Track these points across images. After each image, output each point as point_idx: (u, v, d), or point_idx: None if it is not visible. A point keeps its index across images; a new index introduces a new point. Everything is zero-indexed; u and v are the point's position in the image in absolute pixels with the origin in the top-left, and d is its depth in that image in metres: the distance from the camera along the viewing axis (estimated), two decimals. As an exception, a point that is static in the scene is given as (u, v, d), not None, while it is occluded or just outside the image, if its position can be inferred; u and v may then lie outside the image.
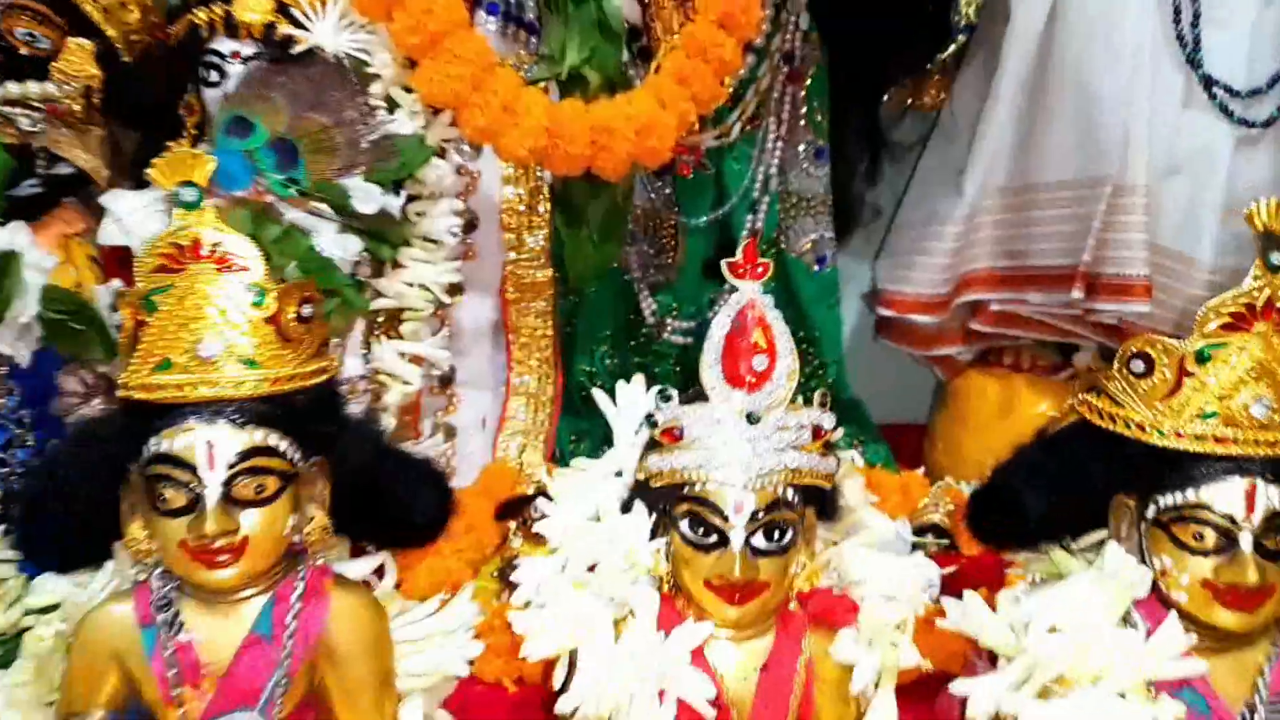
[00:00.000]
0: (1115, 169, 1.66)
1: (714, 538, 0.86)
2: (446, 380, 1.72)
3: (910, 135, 2.06)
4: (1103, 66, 1.68)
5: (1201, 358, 0.88)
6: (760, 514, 0.86)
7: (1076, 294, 1.63)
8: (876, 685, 0.91)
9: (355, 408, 1.47)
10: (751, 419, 0.86)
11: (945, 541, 1.57)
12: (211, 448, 0.83)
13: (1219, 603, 0.88)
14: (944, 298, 1.89)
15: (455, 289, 1.68)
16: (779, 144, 1.78)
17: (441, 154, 1.53)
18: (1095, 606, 0.92)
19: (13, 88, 1.25)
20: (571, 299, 1.83)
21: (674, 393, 0.91)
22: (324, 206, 1.30)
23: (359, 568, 1.03)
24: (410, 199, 1.47)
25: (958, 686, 0.96)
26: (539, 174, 1.70)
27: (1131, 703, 0.88)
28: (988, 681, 0.94)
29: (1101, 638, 0.90)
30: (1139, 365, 0.90)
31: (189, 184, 0.82)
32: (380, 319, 1.51)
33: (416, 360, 1.52)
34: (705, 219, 1.80)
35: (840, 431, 0.95)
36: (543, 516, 0.94)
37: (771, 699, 0.90)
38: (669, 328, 1.86)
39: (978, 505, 1.05)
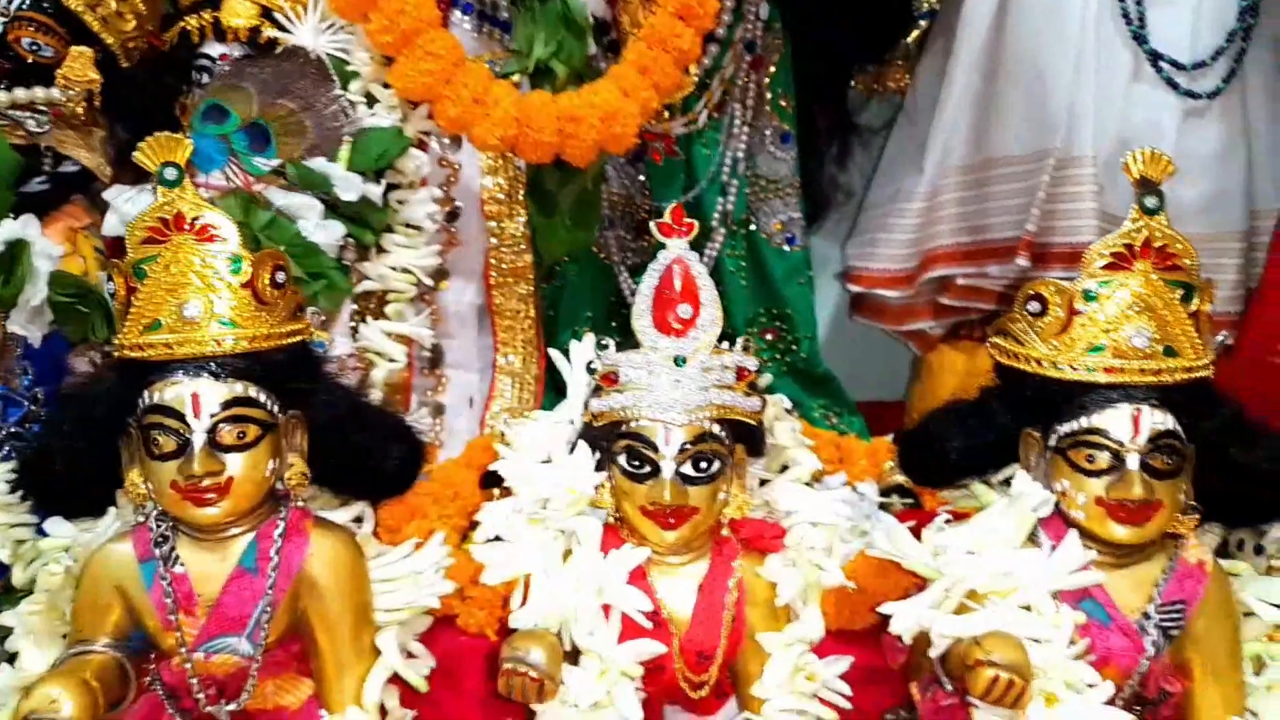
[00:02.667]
0: (1061, 142, 1.74)
1: (648, 468, 0.96)
2: (435, 362, 1.83)
3: (877, 120, 2.15)
4: (1051, 45, 1.76)
5: (1089, 296, 0.96)
6: (688, 445, 0.95)
7: (1022, 262, 1.71)
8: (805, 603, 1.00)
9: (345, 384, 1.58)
10: (678, 361, 0.95)
11: (910, 500, 1.66)
12: (197, 398, 0.94)
13: (1112, 518, 0.96)
14: (910, 272, 1.97)
15: (441, 274, 1.79)
16: (744, 129, 1.87)
17: (421, 146, 1.64)
18: (1004, 529, 1.00)
19: (20, 93, 1.36)
20: (555, 283, 1.93)
21: (612, 343, 1.00)
22: (307, 194, 1.41)
23: (340, 515, 1.13)
24: (391, 187, 1.58)
25: (886, 608, 1.04)
26: (517, 164, 1.80)
27: (1036, 613, 0.96)
28: (911, 603, 1.02)
29: (1009, 556, 0.98)
30: (1035, 306, 0.99)
31: (170, 164, 0.93)
32: (369, 302, 1.63)
33: (402, 339, 1.62)
34: (677, 202, 1.88)
35: (768, 378, 1.04)
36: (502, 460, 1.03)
37: (707, 615, 0.99)
38: (647, 308, 1.95)
39: (905, 447, 1.13)
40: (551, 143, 1.57)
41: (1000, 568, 0.97)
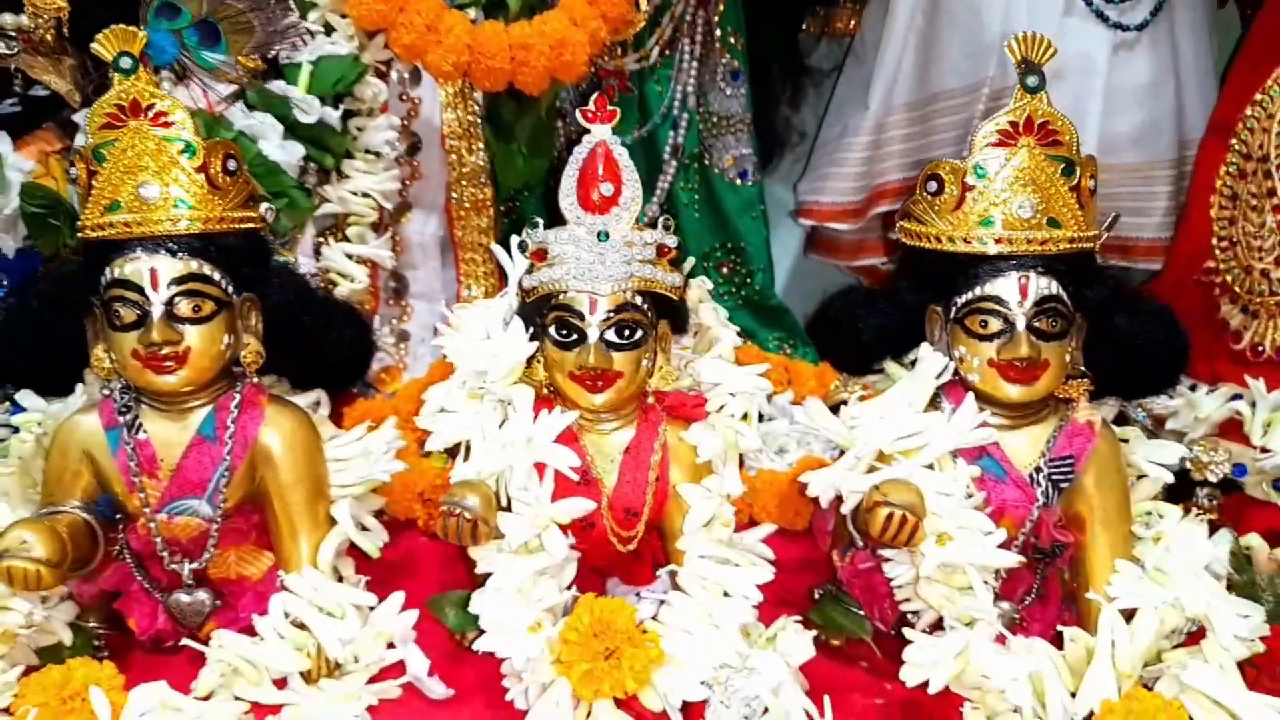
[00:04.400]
0: (994, 70, 1.82)
1: (575, 336, 1.03)
2: (400, 292, 1.91)
3: (827, 61, 2.23)
4: (987, -20, 1.84)
5: (979, 172, 1.04)
6: (612, 314, 1.02)
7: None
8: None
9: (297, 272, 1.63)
10: (602, 237, 1.03)
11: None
12: (155, 273, 1.01)
13: (1003, 377, 1.04)
14: (858, 205, 2.05)
15: (404, 207, 1.87)
16: (694, 65, 1.95)
17: (381, 76, 1.71)
18: (909, 397, 1.08)
19: (-11, 18, 1.42)
20: (514, 217, 2.00)
21: (541, 222, 1.07)
22: (267, 116, 1.48)
23: (297, 400, 1.21)
24: (350, 115, 1.65)
25: (804, 477, 1.12)
26: (476, 99, 1.87)
27: (937, 469, 1.05)
28: (826, 470, 1.10)
29: (912, 420, 1.06)
30: (933, 185, 1.06)
31: (126, 54, 1.00)
32: (331, 225, 1.70)
33: (363, 261, 1.70)
34: (630, 137, 1.96)
35: (690, 261, 1.11)
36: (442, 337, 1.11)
37: (633, 474, 1.07)
38: (603, 241, 2.02)
39: (821, 331, 1.20)
40: (504, 69, 1.64)
41: (904, 430, 1.05)
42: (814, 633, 1.06)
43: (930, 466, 1.05)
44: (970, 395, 1.06)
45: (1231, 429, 1.52)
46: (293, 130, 1.53)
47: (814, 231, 2.16)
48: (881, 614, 1.13)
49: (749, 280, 2.09)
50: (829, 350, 1.22)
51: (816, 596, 1.22)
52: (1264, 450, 1.48)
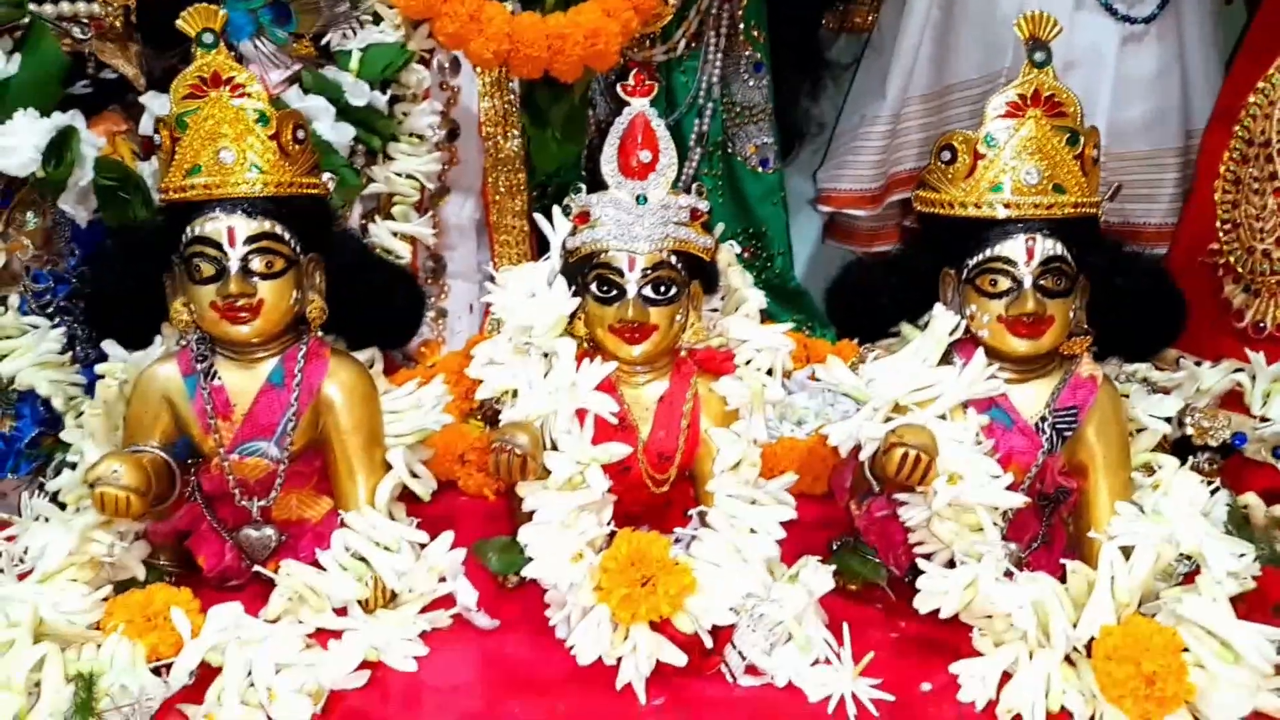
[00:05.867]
0: (1010, 62, 1.90)
1: (615, 292, 1.12)
2: (438, 272, 2.01)
3: (845, 55, 2.31)
4: (1001, -26, 1.92)
5: (989, 141, 1.12)
6: (649, 271, 1.11)
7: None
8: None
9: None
10: (640, 200, 1.12)
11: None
12: (232, 231, 1.10)
13: (1010, 332, 1.12)
14: (875, 193, 2.14)
15: (443, 190, 1.97)
16: (719, 57, 2.04)
17: (424, 63, 1.81)
18: (922, 352, 1.16)
19: (65, 6, 1.53)
20: (547, 202, 2.09)
21: (584, 187, 1.16)
22: (321, 99, 1.58)
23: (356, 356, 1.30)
24: (395, 100, 1.75)
25: (827, 429, 1.20)
26: (512, 88, 1.97)
27: (950, 419, 1.13)
28: (846, 420, 1.19)
29: (926, 373, 1.14)
30: (946, 154, 1.15)
31: (208, 30, 1.10)
32: (377, 204, 1.80)
33: (406, 239, 1.79)
34: (637, 70, 2.04)
35: (720, 226, 1.19)
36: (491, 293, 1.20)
37: (667, 421, 1.15)
38: (632, 225, 2.11)
39: (838, 301, 1.28)
40: (541, 58, 1.74)
41: (918, 382, 1.13)
42: (833, 568, 1.14)
43: (943, 417, 1.13)
44: (980, 350, 1.14)
45: (1233, 400, 1.59)
46: (344, 113, 1.63)
47: (832, 218, 2.24)
48: (896, 560, 1.21)
49: (769, 264, 2.17)
50: (846, 317, 1.30)
51: (835, 547, 1.30)
52: (1263, 419, 1.55)
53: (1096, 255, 1.14)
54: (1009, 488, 1.10)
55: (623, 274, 1.11)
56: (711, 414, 1.15)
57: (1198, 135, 1.92)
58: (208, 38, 1.09)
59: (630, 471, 1.15)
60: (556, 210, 1.23)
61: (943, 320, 1.15)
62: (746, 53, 2.08)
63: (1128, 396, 1.20)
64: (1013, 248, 1.11)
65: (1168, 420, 1.19)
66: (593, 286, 1.13)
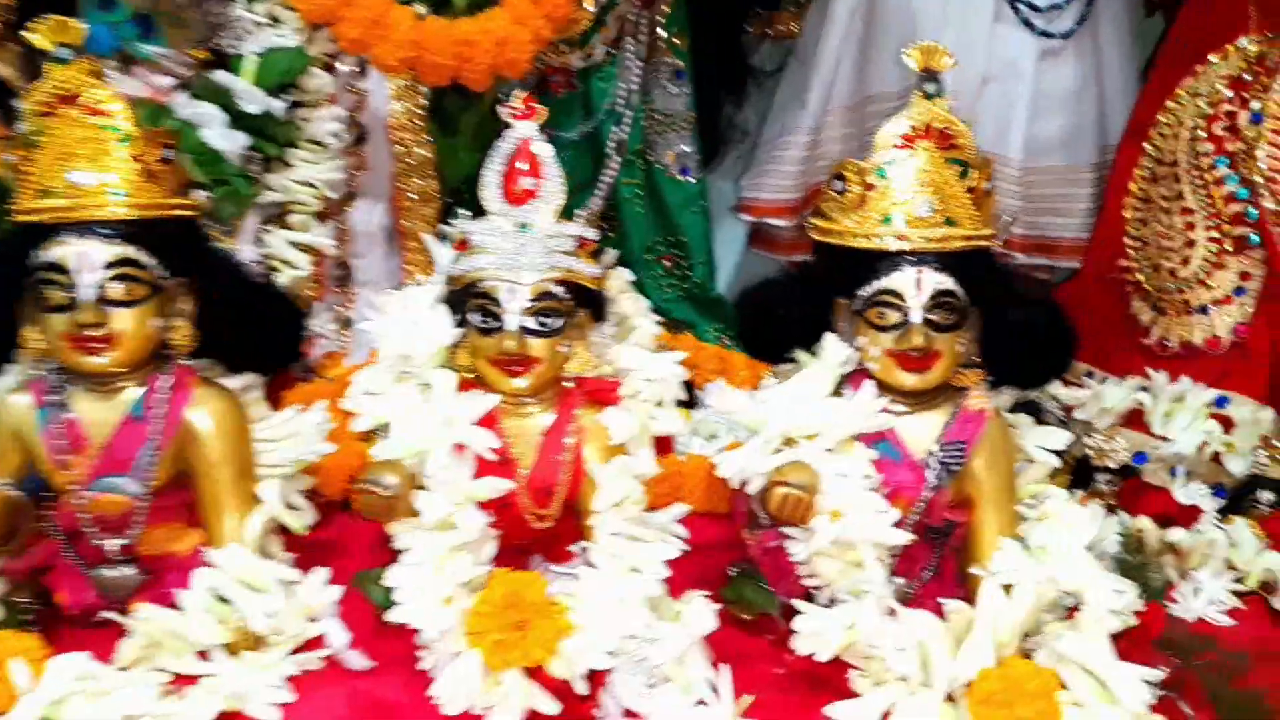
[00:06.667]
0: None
1: (496, 323, 1.08)
2: (344, 280, 1.94)
3: (769, 62, 2.28)
4: (920, -12, 1.91)
5: (881, 173, 1.10)
6: (531, 302, 1.08)
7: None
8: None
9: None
10: (522, 228, 1.08)
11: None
12: (83, 256, 1.04)
13: (899, 367, 1.10)
14: (795, 203, 2.11)
15: (350, 196, 1.90)
16: (638, 64, 1.99)
17: (328, 69, 1.74)
18: (815, 383, 1.14)
19: (-64, 5, 1.44)
20: (457, 211, 2.04)
21: (467, 214, 1.12)
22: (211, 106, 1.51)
23: (230, 383, 1.24)
24: (296, 105, 1.68)
25: (715, 458, 1.18)
26: (423, 92, 1.90)
27: (838, 453, 1.11)
28: (737, 451, 1.16)
29: (816, 406, 1.12)
30: (839, 184, 1.12)
31: (65, 45, 1.03)
32: (275, 214, 1.73)
33: (306, 249, 1.73)
34: (576, 133, 2.01)
35: (612, 252, 1.16)
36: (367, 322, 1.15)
37: (549, 455, 1.12)
38: (547, 234, 2.07)
39: (745, 321, 1.26)
40: (449, 65, 1.69)
41: (808, 415, 1.11)
42: (718, 606, 1.11)
43: (830, 450, 1.11)
44: (869, 382, 1.12)
45: (1135, 419, 1.60)
46: (237, 119, 1.56)
47: (756, 227, 2.22)
48: (789, 589, 1.18)
49: (689, 273, 2.14)
50: (753, 339, 1.27)
51: (733, 573, 1.28)
52: (1163, 439, 1.56)
53: (989, 287, 1.12)
54: (896, 523, 1.08)
55: (504, 305, 1.07)
56: (596, 447, 1.12)
57: (1113, 151, 1.93)
58: (63, 53, 1.02)
59: (511, 507, 1.11)
60: (446, 230, 1.18)
61: (833, 351, 1.13)
62: (667, 59, 2.04)
63: (1016, 428, 1.18)
64: (902, 281, 1.09)
65: (1058, 454, 1.18)
66: (474, 316, 1.09)
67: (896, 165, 1.09)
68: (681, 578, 1.16)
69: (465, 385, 1.12)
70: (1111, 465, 1.47)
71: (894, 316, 1.09)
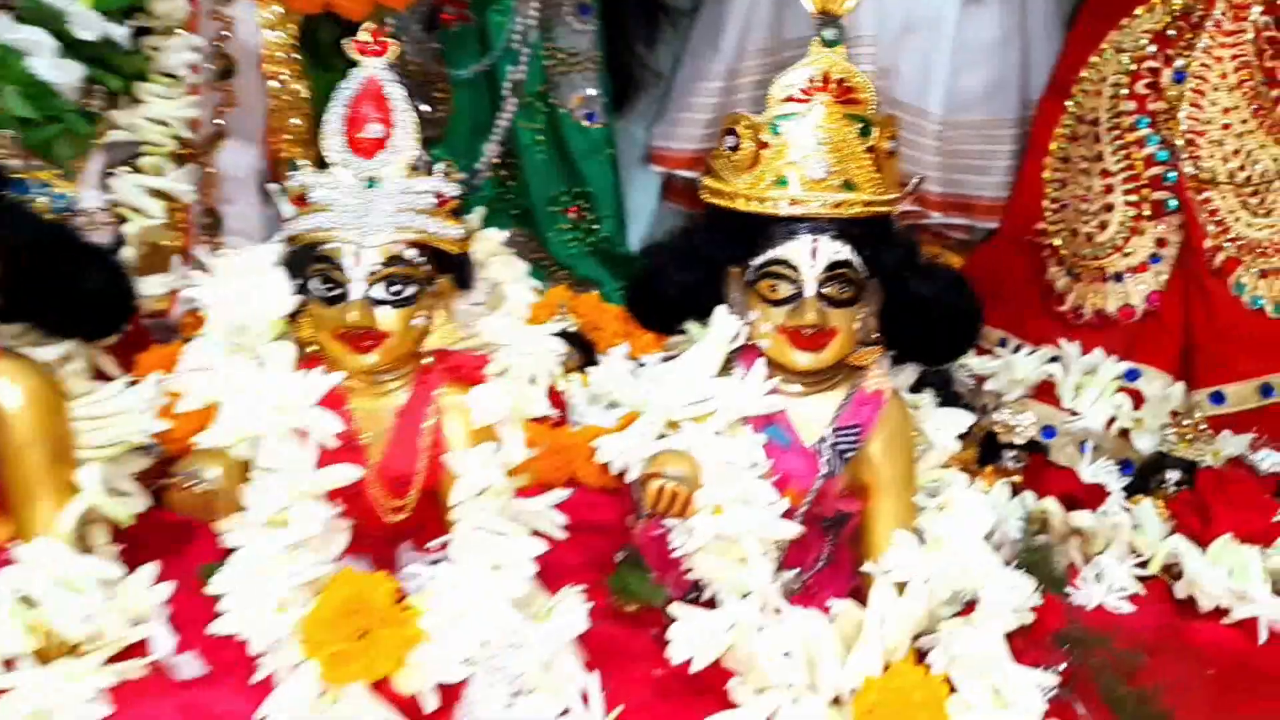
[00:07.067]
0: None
1: (339, 291, 0.95)
2: (213, 229, 1.77)
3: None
4: (843, -71, 1.78)
5: (774, 130, 0.99)
6: (379, 267, 0.95)
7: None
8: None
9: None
10: (369, 183, 0.94)
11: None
12: None
13: (791, 344, 1.01)
14: (707, 153, 1.99)
15: (217, 136, 1.72)
16: (537, -4, 1.84)
17: (176, -14, 1.55)
18: (703, 360, 1.04)
19: None
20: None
21: (307, 164, 0.98)
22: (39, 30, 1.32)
23: (46, 352, 1.09)
24: (145, 31, 1.50)
25: (596, 442, 1.08)
26: (299, 20, 1.72)
27: (724, 436, 1.01)
28: (618, 435, 1.06)
29: (702, 386, 1.02)
30: (730, 140, 1.01)
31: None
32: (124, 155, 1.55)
33: (160, 195, 1.56)
34: (469, 71, 1.85)
35: (481, 211, 1.04)
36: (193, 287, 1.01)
37: (404, 439, 1.00)
38: (442, 182, 1.92)
39: (633, 291, 1.16)
40: (319, -10, 1.51)
41: (693, 394, 1.01)
42: (595, 603, 1.02)
43: (717, 433, 1.01)
44: (760, 361, 1.02)
45: (1046, 390, 1.55)
46: (72, 48, 1.38)
47: (669, 179, 2.10)
48: (676, 581, 1.10)
49: (595, 227, 2.02)
50: (636, 308, 1.17)
51: (619, 560, 1.19)
52: (1073, 413, 1.51)
53: (889, 257, 1.03)
54: (786, 514, 0.99)
55: (347, 271, 0.94)
56: (459, 431, 1.00)
57: (1034, 107, 1.86)
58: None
59: (361, 496, 0.99)
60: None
61: (723, 325, 1.03)
62: (571, -8, 1.89)
63: (917, 409, 1.10)
64: (795, 250, 0.99)
65: (960, 437, 1.10)
66: (314, 282, 0.96)
67: (792, 121, 0.98)
68: (571, 562, 1.07)
69: (308, 361, 0.98)
70: (1018, 441, 1.41)
71: (786, 289, 1.00)
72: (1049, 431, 1.49)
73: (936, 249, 1.89)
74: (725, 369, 1.05)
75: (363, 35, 0.95)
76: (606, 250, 2.02)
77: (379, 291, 0.95)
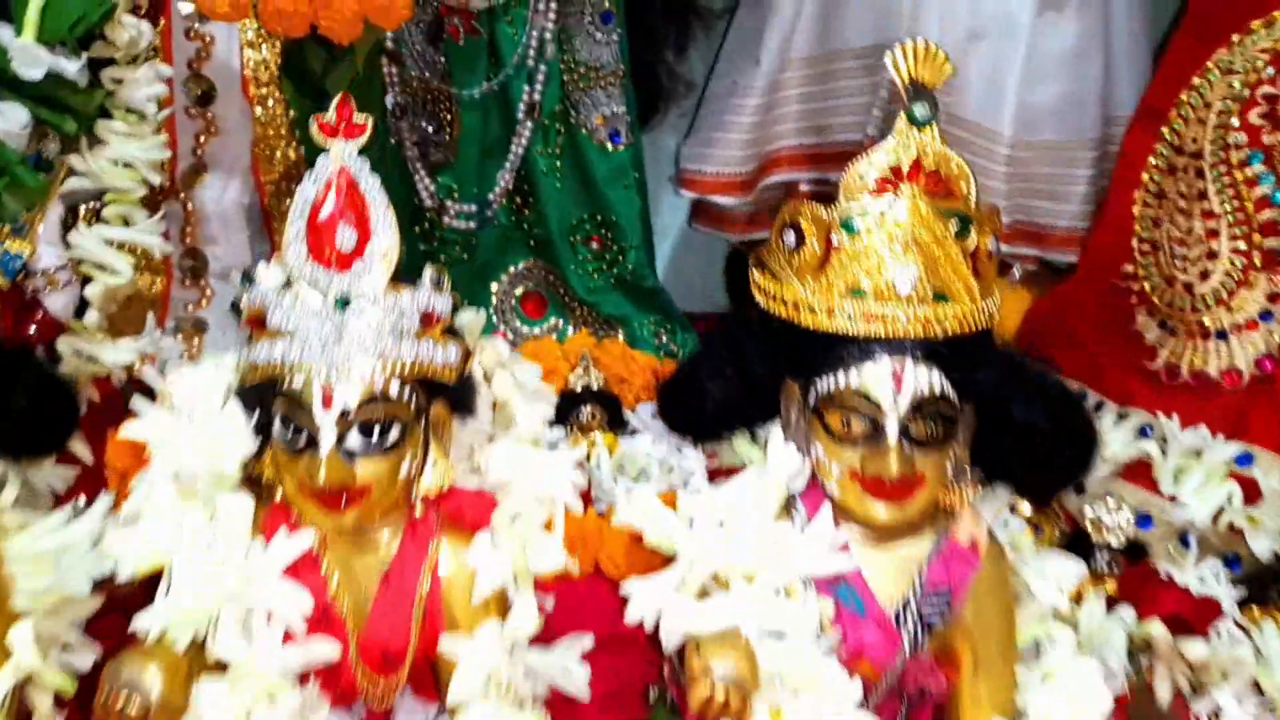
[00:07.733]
0: (904, 33, 1.56)
1: (304, 438, 0.77)
2: (197, 271, 1.60)
3: (718, 0, 1.93)
4: (896, -77, 1.58)
5: (848, 227, 0.79)
6: (354, 411, 0.76)
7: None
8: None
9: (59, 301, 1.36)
10: (339, 303, 0.75)
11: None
12: None
13: (869, 494, 0.82)
14: (747, 177, 1.80)
15: (197, 169, 1.55)
16: (554, 5, 1.62)
17: (155, 9, 1.37)
18: (755, 499, 0.85)
19: None
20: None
21: (265, 271, 0.79)
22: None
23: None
24: (106, 63, 1.31)
25: (626, 586, 0.90)
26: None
27: (783, 599, 0.83)
28: (652, 581, 0.88)
29: (753, 534, 0.84)
30: (791, 237, 0.81)
31: None
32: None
33: (129, 248, 1.38)
34: (479, 90, 1.65)
35: (477, 315, 0.86)
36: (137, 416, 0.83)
37: (391, 608, 0.82)
38: (450, 212, 1.73)
39: (664, 395, 0.97)
40: (302, 12, 1.31)
41: (743, 546, 0.83)
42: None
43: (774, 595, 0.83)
44: (827, 509, 0.84)
45: (1137, 469, 1.35)
46: (14, 87, 1.19)
47: (700, 200, 1.91)
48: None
49: (621, 258, 1.81)
50: (669, 412, 0.98)
51: (653, 698, 1.01)
52: (1172, 499, 1.31)
53: (987, 377, 0.83)
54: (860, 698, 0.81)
55: (315, 416, 0.75)
56: (462, 593, 0.82)
57: (1118, 125, 1.67)
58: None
59: (340, 676, 0.82)
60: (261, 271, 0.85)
61: (781, 459, 0.84)
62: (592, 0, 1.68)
63: (1017, 552, 0.91)
64: (874, 377, 0.80)
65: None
66: (277, 428, 0.77)
67: (870, 218, 0.78)
68: (595, 690, 0.90)
69: (273, 512, 0.80)
70: (1114, 542, 1.21)
71: (862, 426, 0.80)
72: (1145, 521, 1.29)
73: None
74: (783, 512, 0.86)
75: (329, 115, 0.75)
76: (632, 283, 1.83)
77: (355, 441, 0.76)
